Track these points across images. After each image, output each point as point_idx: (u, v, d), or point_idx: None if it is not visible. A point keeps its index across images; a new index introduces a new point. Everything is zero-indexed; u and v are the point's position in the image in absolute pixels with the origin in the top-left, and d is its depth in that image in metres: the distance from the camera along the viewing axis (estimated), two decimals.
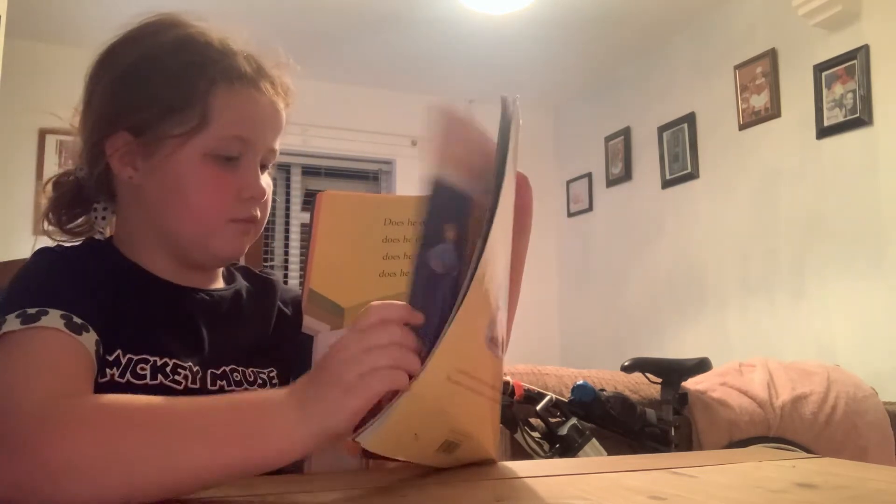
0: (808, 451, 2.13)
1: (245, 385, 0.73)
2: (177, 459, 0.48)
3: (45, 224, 0.78)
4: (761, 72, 3.04)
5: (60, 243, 0.74)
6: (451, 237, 0.54)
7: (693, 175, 3.42)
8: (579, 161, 4.30)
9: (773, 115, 2.99)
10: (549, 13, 3.28)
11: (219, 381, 0.71)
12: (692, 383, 2.28)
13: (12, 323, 0.57)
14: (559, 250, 4.45)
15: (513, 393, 1.82)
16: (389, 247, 0.69)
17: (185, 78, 0.70)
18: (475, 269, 0.49)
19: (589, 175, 4.21)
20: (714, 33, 3.35)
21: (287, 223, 4.16)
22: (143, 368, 0.66)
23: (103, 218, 0.79)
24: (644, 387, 2.19)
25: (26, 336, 0.57)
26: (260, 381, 0.75)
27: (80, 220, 0.79)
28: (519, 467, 0.61)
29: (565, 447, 1.80)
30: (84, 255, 0.72)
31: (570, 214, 4.37)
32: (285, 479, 0.59)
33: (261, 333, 0.79)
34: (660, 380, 2.17)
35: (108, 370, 0.64)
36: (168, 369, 0.67)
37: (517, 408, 1.83)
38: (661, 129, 3.61)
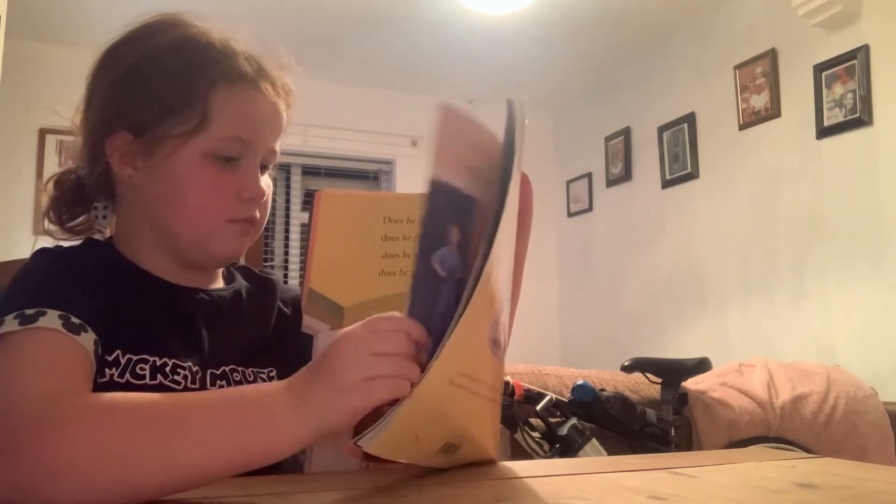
0: (808, 451, 2.13)
1: (245, 385, 0.73)
2: (174, 456, 0.48)
3: (46, 223, 0.78)
4: (761, 72, 3.04)
5: (60, 243, 0.74)
6: (454, 240, 0.54)
7: (693, 175, 3.42)
8: (579, 161, 4.30)
9: (773, 115, 2.99)
10: (549, 13, 3.28)
11: (218, 382, 0.71)
12: (692, 383, 2.28)
13: (10, 324, 0.57)
14: (559, 250, 4.45)
15: (513, 393, 1.82)
16: (389, 245, 0.68)
17: (186, 78, 0.70)
18: (480, 272, 0.49)
19: (589, 175, 4.21)
20: (714, 33, 3.35)
21: (287, 223, 4.16)
22: (142, 369, 0.66)
23: (104, 217, 0.79)
24: (644, 387, 2.19)
25: (24, 337, 0.57)
26: (259, 381, 0.75)
27: (80, 219, 0.79)
28: (519, 467, 0.61)
29: (565, 447, 1.80)
30: (84, 255, 0.72)
31: (570, 214, 4.37)
32: (285, 479, 0.59)
33: (261, 333, 0.79)
34: (660, 380, 2.17)
35: (107, 370, 0.64)
36: (167, 369, 0.67)
37: (517, 408, 1.83)
38: (661, 129, 3.61)
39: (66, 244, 0.74)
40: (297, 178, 4.18)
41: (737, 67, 3.17)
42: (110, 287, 0.68)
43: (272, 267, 4.04)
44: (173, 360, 0.68)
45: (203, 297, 0.75)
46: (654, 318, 3.65)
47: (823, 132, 2.75)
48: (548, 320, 4.38)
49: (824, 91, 2.75)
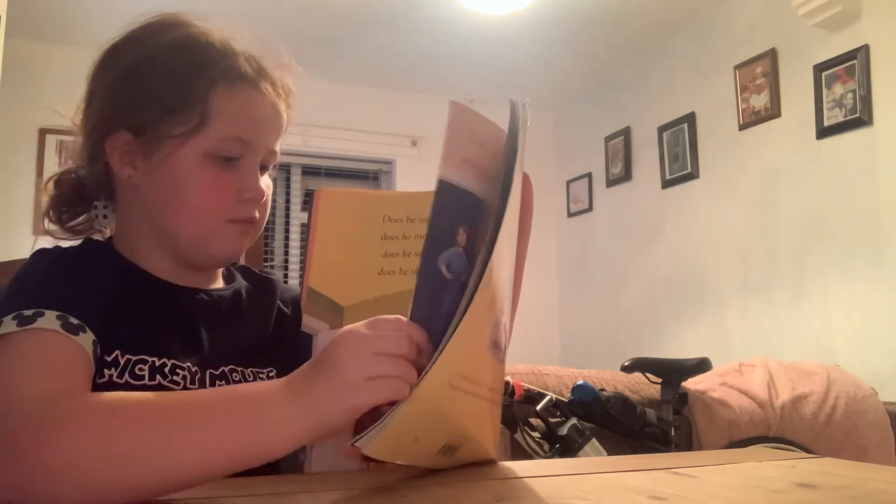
0: (808, 451, 2.13)
1: (244, 383, 0.73)
2: (173, 455, 0.48)
3: (46, 222, 0.78)
4: (761, 72, 3.04)
5: (60, 243, 0.74)
6: (461, 241, 0.53)
7: (693, 175, 3.42)
8: (579, 161, 4.30)
9: (773, 115, 2.99)
10: (549, 13, 3.28)
11: (217, 382, 0.71)
12: (692, 383, 2.28)
13: (8, 325, 0.57)
14: (559, 250, 4.45)
15: (513, 393, 1.82)
16: (388, 244, 0.68)
17: (186, 78, 0.70)
18: (480, 275, 0.49)
19: (589, 175, 4.21)
20: (714, 33, 3.35)
21: (287, 223, 4.16)
22: (141, 369, 0.66)
23: (104, 217, 0.79)
24: (644, 387, 2.19)
25: (22, 338, 0.57)
26: (259, 381, 0.75)
27: (80, 219, 0.79)
28: (519, 467, 0.61)
29: (565, 447, 1.80)
30: (83, 255, 0.72)
31: (570, 214, 4.37)
32: (285, 479, 0.59)
33: (260, 333, 0.79)
34: (660, 380, 2.17)
35: (106, 371, 0.64)
36: (166, 370, 0.67)
37: (517, 408, 1.83)
38: (661, 129, 3.61)
39: (65, 244, 0.74)
40: (297, 178, 4.18)
41: (737, 67, 3.17)
42: (109, 287, 0.68)
43: (272, 267, 4.04)
44: (172, 361, 0.68)
45: (202, 297, 0.75)
46: (654, 318, 3.65)
47: (823, 132, 2.75)
48: (548, 320, 4.38)
49: (824, 91, 2.75)
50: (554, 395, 1.88)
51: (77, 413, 0.50)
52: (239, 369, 0.73)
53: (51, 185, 0.78)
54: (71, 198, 0.78)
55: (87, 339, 0.60)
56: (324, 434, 0.51)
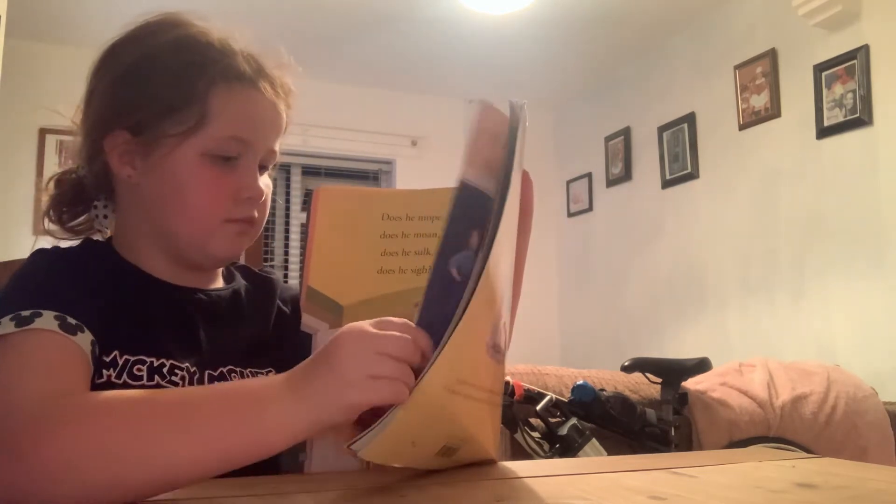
0: (808, 451, 2.13)
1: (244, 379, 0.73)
2: (172, 453, 0.48)
3: (47, 222, 0.78)
4: (761, 72, 3.04)
5: (59, 243, 0.74)
6: (473, 244, 0.53)
7: (693, 175, 3.42)
8: (579, 161, 4.30)
9: (773, 115, 2.99)
10: (549, 13, 3.28)
11: (216, 382, 0.71)
12: (692, 383, 2.28)
13: (6, 326, 0.57)
14: (559, 250, 4.45)
15: (513, 393, 1.82)
16: (387, 243, 0.68)
17: (185, 78, 0.70)
18: (479, 277, 0.49)
19: (589, 175, 4.21)
20: (714, 33, 3.35)
21: (287, 223, 4.16)
22: (139, 369, 0.66)
23: (105, 217, 0.79)
24: (644, 387, 2.19)
25: (21, 338, 0.57)
26: (259, 377, 0.74)
27: (81, 219, 0.79)
28: (519, 467, 0.61)
29: (565, 447, 1.80)
30: (82, 255, 0.72)
31: (570, 214, 4.37)
32: (285, 479, 0.59)
33: (260, 333, 0.79)
34: (660, 380, 2.17)
35: (104, 371, 0.64)
36: (165, 370, 0.67)
37: (517, 408, 1.83)
38: (661, 129, 3.61)
39: (65, 244, 0.74)
40: (297, 178, 4.18)
41: (737, 67, 3.17)
42: (108, 287, 0.68)
43: (272, 267, 4.04)
44: (171, 361, 0.68)
45: (201, 297, 0.75)
46: (654, 318, 3.65)
47: (823, 132, 2.75)
48: (548, 320, 4.38)
49: (824, 91, 2.75)
50: (554, 395, 1.88)
51: (75, 413, 0.50)
52: (238, 369, 0.73)
53: (51, 184, 0.78)
54: (71, 198, 0.78)
55: (85, 338, 0.60)
56: (322, 429, 0.51)
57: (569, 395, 1.92)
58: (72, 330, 0.59)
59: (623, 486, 0.53)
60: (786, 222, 2.93)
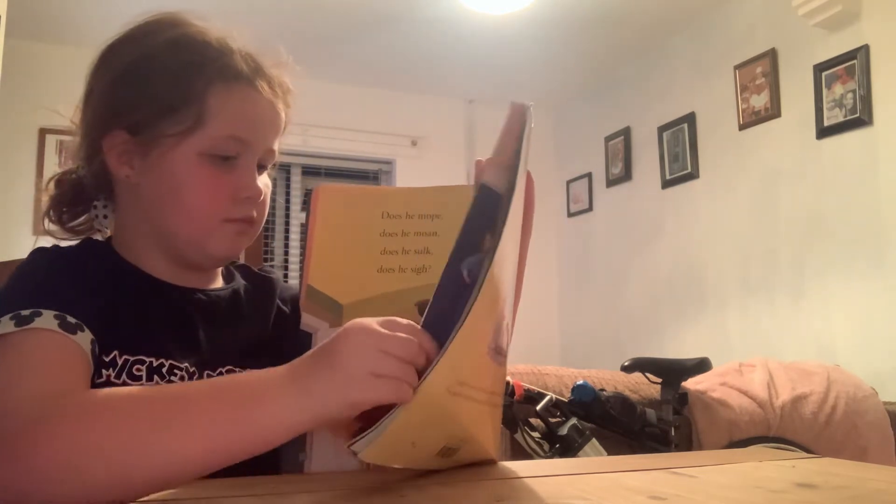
0: (808, 451, 2.13)
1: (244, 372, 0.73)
2: (169, 450, 0.48)
3: (47, 222, 0.78)
4: (761, 72, 3.04)
5: (58, 243, 0.74)
6: (486, 246, 0.53)
7: (693, 175, 3.42)
8: (579, 161, 4.30)
9: (773, 115, 2.99)
10: (549, 13, 3.28)
11: None
12: (692, 383, 2.28)
13: (6, 325, 0.57)
14: (559, 250, 4.45)
15: (513, 393, 1.82)
16: (387, 241, 0.68)
17: (183, 77, 0.70)
18: (482, 282, 0.48)
19: (589, 175, 4.21)
20: (714, 33, 3.35)
21: (287, 223, 4.16)
22: (138, 369, 0.66)
23: (104, 217, 0.79)
24: (644, 387, 2.19)
25: (20, 338, 0.57)
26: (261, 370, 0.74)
27: (81, 219, 0.79)
28: (519, 467, 0.61)
29: (565, 447, 1.80)
30: (81, 254, 0.72)
31: (570, 214, 4.37)
32: (285, 479, 0.59)
33: (259, 332, 0.79)
34: (660, 380, 2.17)
35: (104, 371, 0.64)
36: (164, 370, 0.67)
37: (517, 408, 1.83)
38: (661, 129, 3.61)
39: (64, 244, 0.74)
40: (297, 178, 4.18)
41: (737, 67, 3.17)
42: (108, 287, 0.68)
43: (272, 266, 4.04)
44: (170, 361, 0.68)
45: (201, 297, 0.75)
46: (654, 318, 3.65)
47: (823, 132, 2.75)
48: (548, 320, 4.39)
49: (824, 91, 2.75)
50: (554, 395, 1.88)
51: (73, 412, 0.50)
52: (237, 369, 0.73)
53: (51, 185, 0.78)
54: (71, 198, 0.78)
55: (85, 338, 0.60)
56: (322, 424, 0.51)
57: (569, 395, 1.92)
58: (72, 329, 0.59)
59: (623, 486, 0.53)
60: (786, 222, 2.93)
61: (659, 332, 3.60)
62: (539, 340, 4.14)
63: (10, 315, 0.58)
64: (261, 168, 0.75)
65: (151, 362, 0.66)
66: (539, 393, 1.87)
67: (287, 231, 4.16)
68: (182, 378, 0.68)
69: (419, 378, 0.50)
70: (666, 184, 3.58)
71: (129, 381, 0.65)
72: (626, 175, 3.89)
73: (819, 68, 2.77)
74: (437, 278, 0.56)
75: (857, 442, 2.20)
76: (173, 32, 0.72)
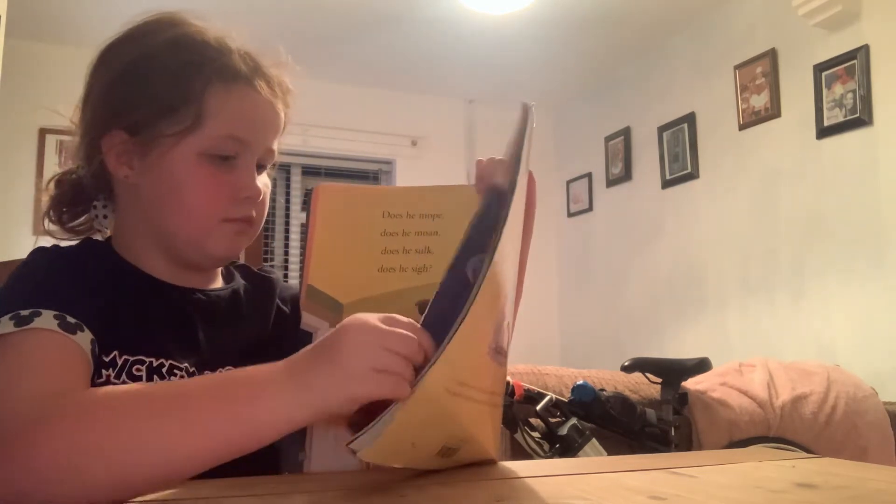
0: (808, 451, 2.13)
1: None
2: (168, 447, 0.48)
3: (47, 223, 0.78)
4: (761, 72, 3.04)
5: (58, 243, 0.74)
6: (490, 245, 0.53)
7: (693, 175, 3.42)
8: (579, 161, 4.30)
9: (773, 115, 2.99)
10: (549, 13, 3.28)
11: None
12: (692, 383, 2.28)
13: (6, 325, 0.57)
14: (559, 250, 4.45)
15: (513, 393, 1.82)
16: (388, 241, 0.68)
17: (181, 77, 0.69)
18: (482, 281, 0.48)
19: (589, 175, 4.21)
20: (714, 33, 3.35)
21: (287, 223, 4.16)
22: (138, 369, 0.66)
23: (104, 217, 0.79)
24: (644, 387, 2.19)
25: (20, 338, 0.57)
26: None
27: (81, 219, 0.79)
28: (519, 467, 0.61)
29: (565, 447, 1.80)
30: (81, 254, 0.72)
31: (570, 214, 4.37)
32: (285, 479, 0.59)
33: (259, 332, 0.79)
34: (660, 380, 2.17)
35: (104, 371, 0.64)
36: (164, 370, 0.67)
37: (517, 408, 1.83)
38: (661, 129, 3.61)
39: (64, 244, 0.74)
40: (297, 178, 4.18)
41: (737, 67, 3.16)
42: (108, 287, 0.68)
43: (272, 266, 4.03)
44: (170, 361, 0.68)
45: (200, 297, 0.75)
46: (654, 318, 3.65)
47: (823, 132, 2.75)
48: (548, 320, 4.39)
49: (824, 91, 2.75)
50: (554, 395, 1.88)
51: (73, 411, 0.50)
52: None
53: (51, 185, 0.78)
54: (71, 198, 0.78)
55: (84, 337, 0.60)
56: (320, 418, 0.51)
57: (569, 395, 1.92)
58: (71, 329, 0.59)
59: (623, 486, 0.53)
60: (786, 222, 2.93)
61: (659, 332, 3.60)
62: (539, 340, 4.14)
63: (9, 315, 0.58)
64: (260, 168, 0.75)
65: (151, 362, 0.66)
66: (539, 393, 1.87)
67: (287, 231, 4.16)
68: (182, 378, 0.68)
69: (416, 376, 0.50)
70: (666, 184, 3.58)
71: (128, 382, 0.65)
72: (626, 175, 3.89)
73: (819, 68, 2.77)
74: (438, 278, 0.56)
75: (857, 442, 2.20)
76: (172, 32, 0.72)
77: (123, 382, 0.64)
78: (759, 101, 3.05)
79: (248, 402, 0.50)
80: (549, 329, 4.37)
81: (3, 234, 3.25)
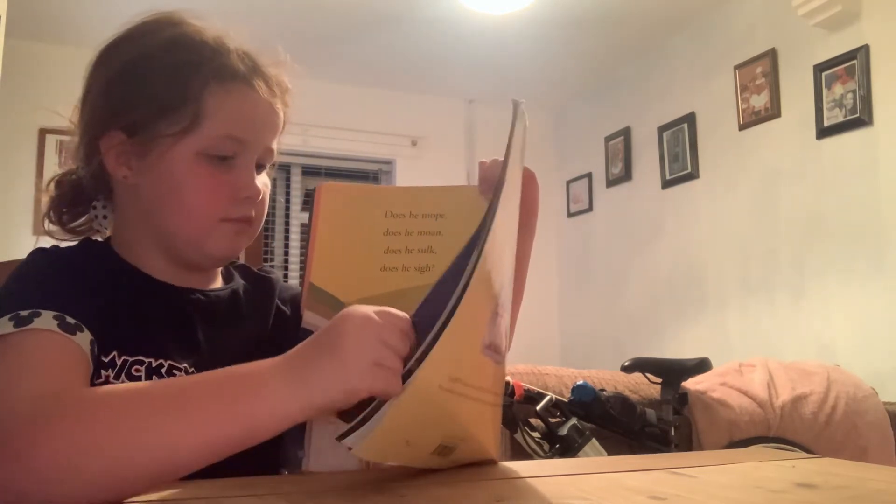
0: (808, 451, 2.13)
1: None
2: (164, 441, 0.48)
3: (47, 223, 0.78)
4: (761, 72, 3.04)
5: (57, 244, 0.74)
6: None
7: (693, 175, 3.42)
8: (579, 161, 4.30)
9: (773, 115, 2.99)
10: (549, 13, 3.28)
11: None
12: (692, 383, 2.28)
13: (5, 326, 0.57)
14: (559, 250, 4.45)
15: (513, 393, 1.82)
16: (391, 240, 0.68)
17: (180, 77, 0.69)
18: (469, 277, 0.48)
19: (589, 175, 4.21)
20: (714, 33, 3.35)
21: (287, 223, 4.16)
22: (137, 370, 0.66)
23: (104, 217, 0.79)
24: (644, 387, 2.19)
25: (19, 339, 0.57)
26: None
27: (81, 220, 0.79)
28: (519, 467, 0.61)
29: (565, 447, 1.80)
30: (81, 255, 0.72)
31: (570, 214, 4.37)
32: (285, 480, 0.59)
33: (258, 333, 0.79)
34: (660, 380, 2.17)
35: (103, 371, 0.64)
36: (163, 371, 0.67)
37: (517, 408, 1.83)
38: (661, 129, 3.61)
39: (64, 245, 0.74)
40: (297, 178, 4.18)
41: (737, 67, 3.16)
42: (107, 287, 0.67)
43: (272, 266, 4.04)
44: (169, 362, 0.68)
45: (200, 297, 0.75)
46: (654, 318, 3.65)
47: (823, 132, 2.75)
48: (548, 320, 4.39)
49: (824, 91, 2.75)
50: (554, 395, 1.88)
51: (72, 411, 0.50)
52: None
53: (51, 186, 0.78)
54: (71, 198, 0.78)
55: (84, 338, 0.60)
56: (318, 413, 0.51)
57: (569, 395, 1.92)
58: (71, 329, 0.59)
59: (623, 486, 0.53)
60: (786, 222, 2.93)
61: (659, 332, 3.60)
62: (539, 340, 4.14)
63: (9, 316, 0.58)
64: (259, 167, 0.75)
65: (151, 363, 0.66)
66: (539, 393, 1.87)
67: (287, 231, 4.16)
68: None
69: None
70: (666, 184, 3.58)
71: (128, 382, 0.65)
72: (626, 175, 3.89)
73: (819, 68, 2.77)
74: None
75: (857, 442, 2.20)
76: (170, 32, 0.72)
77: (123, 383, 0.64)
78: (759, 101, 3.05)
79: (247, 398, 0.50)
80: (549, 329, 4.37)
81: (3, 234, 3.25)
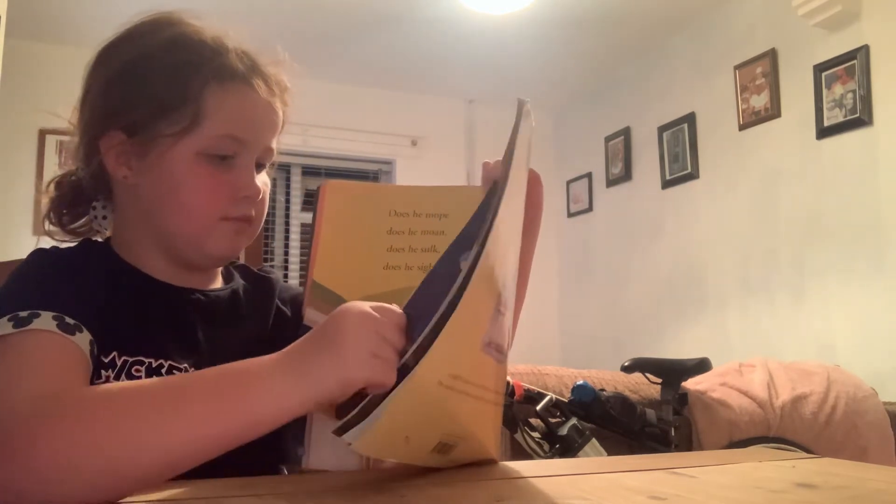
0: (808, 451, 2.13)
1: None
2: (163, 439, 0.48)
3: (47, 224, 0.78)
4: (761, 72, 3.04)
5: (57, 244, 0.74)
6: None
7: (693, 175, 3.42)
8: (579, 161, 4.30)
9: (773, 115, 2.99)
10: (549, 13, 3.28)
11: None
12: (692, 383, 2.28)
13: (4, 326, 0.57)
14: (559, 250, 4.45)
15: (513, 393, 1.82)
16: (394, 239, 0.68)
17: (179, 77, 0.69)
18: (469, 274, 0.48)
19: (589, 175, 4.21)
20: (714, 33, 3.35)
21: (287, 223, 4.16)
22: (137, 370, 0.66)
23: (104, 217, 0.79)
24: (644, 387, 2.19)
25: (18, 339, 0.57)
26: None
27: (81, 221, 0.79)
28: (519, 467, 0.61)
29: (565, 447, 1.80)
30: (80, 255, 0.72)
31: (570, 214, 4.37)
32: (285, 480, 0.59)
33: (258, 333, 0.78)
34: (660, 380, 2.17)
35: (103, 371, 0.64)
36: (163, 371, 0.67)
37: (517, 408, 1.83)
38: (661, 129, 3.61)
39: (62, 245, 0.74)
40: (296, 178, 4.18)
41: (737, 67, 3.17)
42: (107, 288, 0.67)
43: (272, 266, 4.03)
44: (169, 362, 0.68)
45: (200, 297, 0.75)
46: (654, 318, 3.65)
47: (823, 132, 2.75)
48: (548, 320, 4.39)
49: (824, 91, 2.75)
50: (554, 395, 1.88)
51: (72, 411, 0.50)
52: None
53: (51, 187, 0.78)
54: (71, 199, 0.78)
55: (83, 338, 0.60)
56: (316, 406, 0.51)
57: (569, 395, 1.92)
58: (70, 330, 0.59)
59: (623, 486, 0.53)
60: (786, 222, 2.93)
61: (659, 332, 3.60)
62: (539, 340, 4.14)
63: (8, 316, 0.58)
64: (259, 167, 0.75)
65: (151, 363, 0.66)
66: (539, 393, 1.87)
67: (287, 231, 4.16)
68: None
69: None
70: (666, 184, 3.58)
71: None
72: (626, 175, 3.89)
73: (819, 68, 2.77)
74: None
75: (857, 442, 2.20)
76: (169, 32, 0.72)
77: None
78: (759, 101, 3.05)
79: (246, 392, 0.50)
80: (549, 329, 4.37)
81: (3, 235, 3.25)
